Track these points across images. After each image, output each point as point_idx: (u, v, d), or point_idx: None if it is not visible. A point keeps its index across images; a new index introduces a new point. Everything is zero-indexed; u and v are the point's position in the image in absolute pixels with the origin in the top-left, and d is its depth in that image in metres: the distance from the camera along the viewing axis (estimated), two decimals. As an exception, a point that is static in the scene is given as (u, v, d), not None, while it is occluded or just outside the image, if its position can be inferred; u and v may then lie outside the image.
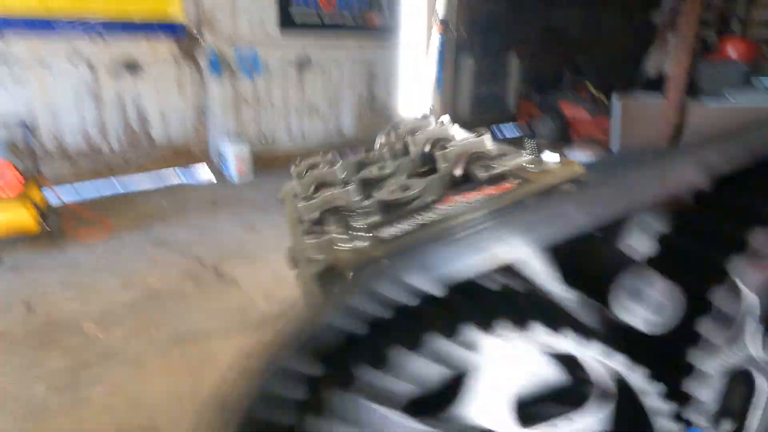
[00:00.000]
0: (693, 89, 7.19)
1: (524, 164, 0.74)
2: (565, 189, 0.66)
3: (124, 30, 6.35)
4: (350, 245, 0.62)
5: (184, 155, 7.17)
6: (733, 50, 8.22)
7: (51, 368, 2.98)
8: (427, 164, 1.05)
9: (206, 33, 6.90)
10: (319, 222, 0.82)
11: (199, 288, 4.02)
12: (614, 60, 10.26)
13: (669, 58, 8.88)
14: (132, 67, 6.52)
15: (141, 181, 6.86)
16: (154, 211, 5.85)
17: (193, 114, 7.14)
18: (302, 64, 7.93)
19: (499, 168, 0.75)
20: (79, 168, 6.37)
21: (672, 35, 8.28)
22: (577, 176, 0.69)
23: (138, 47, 6.49)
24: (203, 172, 7.38)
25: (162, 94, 6.81)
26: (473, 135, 0.93)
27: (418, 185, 0.88)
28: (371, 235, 0.63)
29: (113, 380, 2.92)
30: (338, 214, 0.80)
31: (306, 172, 1.08)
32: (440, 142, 1.03)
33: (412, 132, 1.15)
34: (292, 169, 1.13)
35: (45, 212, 4.75)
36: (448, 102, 5.18)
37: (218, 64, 7.12)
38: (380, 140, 1.20)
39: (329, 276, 0.66)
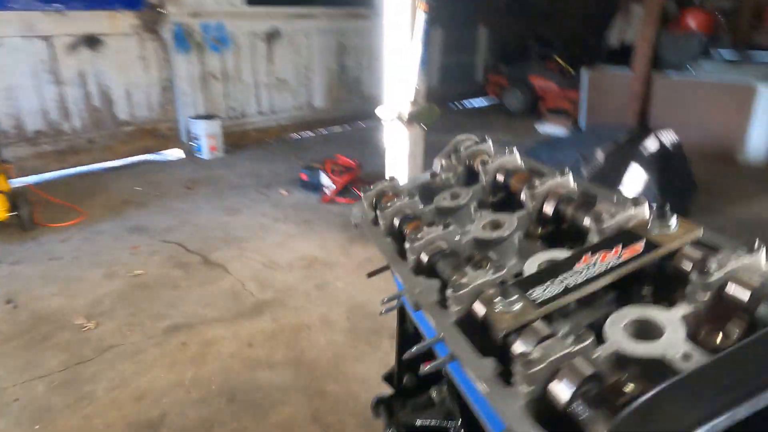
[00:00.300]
0: (657, 61, 7.41)
1: (638, 220, 0.79)
2: (687, 253, 0.72)
3: (81, 2, 5.98)
4: (504, 306, 0.67)
5: (151, 133, 6.93)
6: (693, 21, 8.48)
7: (48, 366, 2.93)
8: (498, 193, 1.10)
9: (169, 4, 6.58)
10: (431, 264, 0.85)
11: (188, 275, 3.98)
12: (580, 31, 10.40)
13: (632, 29, 9.09)
14: (91, 41, 6.18)
15: (109, 160, 6.60)
16: (127, 193, 5.68)
17: (160, 91, 6.87)
18: (271, 36, 7.70)
19: (611, 222, 0.80)
20: (41, 150, 6.07)
21: (636, 6, 8.45)
22: (696, 238, 0.74)
23: (97, 21, 6.14)
24: (173, 150, 7.16)
25: (125, 70, 6.50)
26: (555, 171, 0.98)
27: (509, 223, 0.93)
28: (524, 295, 0.68)
29: (114, 374, 2.91)
30: (449, 257, 0.84)
31: (378, 201, 1.10)
32: (513, 172, 1.08)
33: (475, 156, 1.19)
34: (363, 195, 1.15)
35: (13, 199, 4.54)
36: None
37: (183, 38, 6.84)
38: (440, 162, 1.23)
39: (473, 326, 0.70)
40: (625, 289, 0.72)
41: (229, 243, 4.50)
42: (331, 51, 8.49)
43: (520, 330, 0.64)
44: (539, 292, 0.70)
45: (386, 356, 3.08)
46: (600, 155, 4.92)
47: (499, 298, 0.67)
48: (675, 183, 5.18)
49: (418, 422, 1.19)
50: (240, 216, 5.11)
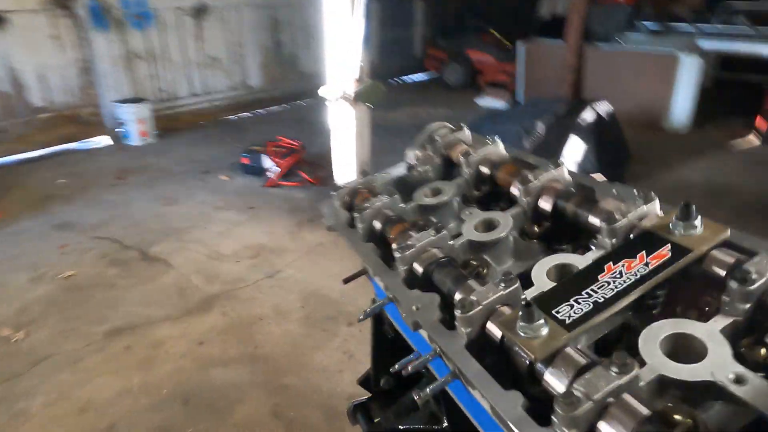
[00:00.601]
0: (587, 33, 7.60)
1: (654, 219, 0.74)
2: (718, 257, 0.67)
3: (-23, -26, 5.35)
4: (529, 331, 0.59)
5: (72, 120, 6.38)
6: (619, -7, 8.75)
7: (-27, 386, 2.65)
8: (483, 187, 1.02)
9: (81, -23, 6.02)
10: (426, 275, 0.76)
11: (126, 273, 3.72)
12: (515, 4, 10.48)
13: (562, 1, 9.27)
14: (-7, 19, 5.56)
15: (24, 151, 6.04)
16: (49, 187, 5.21)
17: (78, 73, 6.32)
18: (198, 12, 7.23)
19: (623, 220, 0.75)
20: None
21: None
22: (724, 240, 0.69)
23: (-3, -5, 5.52)
24: (99, 138, 6.64)
25: (36, 51, 5.91)
26: (548, 163, 0.92)
27: (504, 222, 0.86)
28: (550, 316, 0.61)
29: (51, 387, 2.67)
30: (447, 266, 0.75)
31: (350, 200, 0.99)
32: (499, 164, 1.00)
33: (452, 146, 1.10)
34: (335, 195, 1.04)
35: None
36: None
37: (100, 14, 6.28)
38: (415, 153, 1.14)
39: (487, 349, 0.63)
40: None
41: (168, 235, 4.24)
42: (264, 27, 8.12)
43: (551, 357, 0.58)
44: (566, 311, 0.63)
45: (345, 343, 3.01)
46: (540, 127, 5.02)
47: (522, 323, 0.60)
48: (611, 152, 5.38)
49: (401, 427, 1.13)
50: (178, 205, 4.83)
